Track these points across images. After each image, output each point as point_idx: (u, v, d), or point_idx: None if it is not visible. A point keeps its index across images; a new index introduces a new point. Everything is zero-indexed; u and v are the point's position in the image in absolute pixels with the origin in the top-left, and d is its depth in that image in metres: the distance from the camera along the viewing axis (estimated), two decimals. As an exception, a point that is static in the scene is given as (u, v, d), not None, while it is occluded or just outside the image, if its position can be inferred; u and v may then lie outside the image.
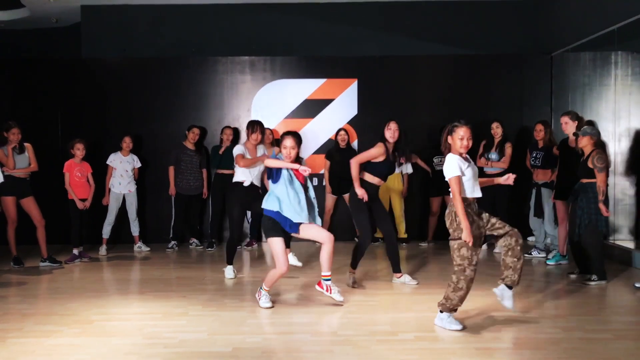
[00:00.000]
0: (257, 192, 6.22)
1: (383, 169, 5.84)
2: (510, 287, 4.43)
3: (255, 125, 6.29)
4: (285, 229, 4.93)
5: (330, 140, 8.76)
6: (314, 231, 5.00)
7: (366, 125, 8.73)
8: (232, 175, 8.20)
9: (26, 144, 7.15)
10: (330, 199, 8.52)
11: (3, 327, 4.53)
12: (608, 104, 8.52)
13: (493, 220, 4.41)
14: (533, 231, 7.45)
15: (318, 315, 4.82)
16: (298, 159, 5.08)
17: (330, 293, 5.02)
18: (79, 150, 7.41)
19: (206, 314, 4.88)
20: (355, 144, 8.76)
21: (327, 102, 8.82)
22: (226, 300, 5.32)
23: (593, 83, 8.64)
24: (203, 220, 8.73)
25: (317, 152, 8.83)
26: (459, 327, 4.36)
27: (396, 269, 5.98)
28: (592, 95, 8.63)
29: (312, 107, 8.83)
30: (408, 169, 8.49)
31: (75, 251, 7.34)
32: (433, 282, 6.03)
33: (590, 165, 5.82)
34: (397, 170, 8.36)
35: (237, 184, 6.20)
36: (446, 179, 4.35)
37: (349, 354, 3.89)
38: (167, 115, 8.78)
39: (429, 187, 8.36)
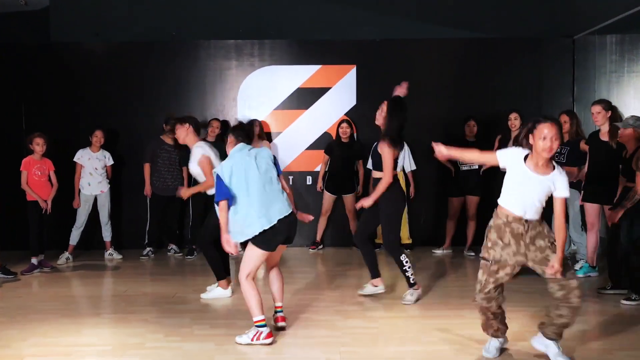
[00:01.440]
0: None
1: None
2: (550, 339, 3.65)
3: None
4: None
5: (326, 133, 7.86)
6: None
7: (366, 116, 7.76)
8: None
9: (-23, 139, 6.27)
10: (328, 199, 7.61)
11: None
12: (637, 92, 7.61)
13: (552, 256, 3.44)
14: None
15: (299, 348, 3.92)
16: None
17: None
18: (39, 145, 6.52)
19: (166, 345, 3.99)
20: (355, 137, 7.82)
21: (323, 91, 7.89)
22: (195, 326, 4.42)
23: (620, 69, 7.72)
24: (183, 224, 7.80)
25: (312, 147, 7.91)
26: (488, 354, 3.71)
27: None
28: (619, 82, 7.71)
29: (305, 97, 7.90)
30: (411, 165, 7.58)
31: (34, 260, 6.45)
32: (448, 300, 5.11)
33: (633, 166, 4.90)
34: (398, 168, 7.46)
35: None
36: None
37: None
38: (144, 106, 7.87)
39: (449, 186, 7.41)
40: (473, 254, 7.12)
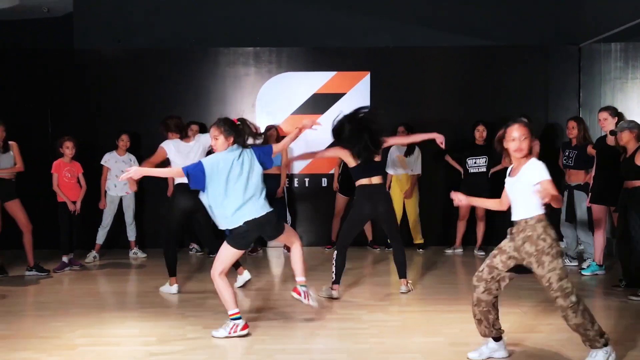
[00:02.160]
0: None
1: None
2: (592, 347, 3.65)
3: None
4: None
5: (341, 137, 8.13)
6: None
7: (379, 121, 8.09)
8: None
9: (11, 142, 6.54)
10: (341, 201, 7.91)
11: (-28, 355, 3.94)
12: (641, 99, 7.93)
13: (535, 265, 3.51)
14: (564, 237, 6.83)
15: (334, 339, 4.22)
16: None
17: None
18: (68, 148, 6.81)
19: (207, 337, 4.27)
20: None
21: (338, 96, 8.19)
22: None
23: (624, 76, 8.03)
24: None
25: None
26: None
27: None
28: (623, 89, 8.02)
29: (321, 102, 8.20)
30: (416, 169, 7.84)
31: (65, 259, 6.73)
32: (460, 296, 5.41)
33: (638, 162, 5.20)
34: (408, 171, 7.78)
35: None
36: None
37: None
38: (165, 111, 8.08)
39: (460, 188, 7.68)
40: (483, 253, 7.42)
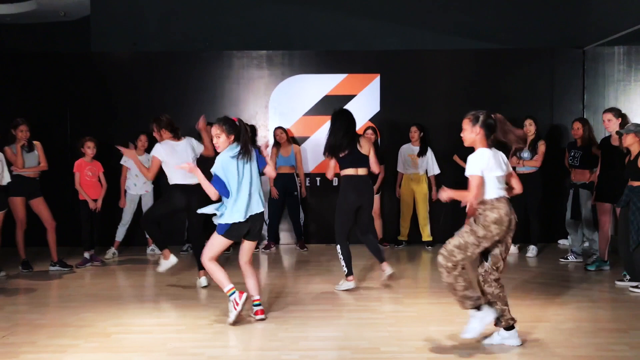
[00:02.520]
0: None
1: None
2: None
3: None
4: None
5: (351, 138, 8.36)
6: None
7: (389, 122, 8.36)
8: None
9: (35, 142, 6.79)
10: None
11: (14, 341, 4.16)
12: (644, 101, 8.16)
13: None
14: (570, 234, 7.06)
15: (353, 327, 4.44)
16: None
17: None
18: (90, 148, 7.04)
19: (228, 326, 4.50)
20: (378, 142, 8.34)
21: (348, 98, 8.42)
22: (249, 310, 4.94)
23: (627, 78, 8.27)
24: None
25: (338, 150, 8.43)
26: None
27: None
28: (626, 91, 8.26)
29: (332, 104, 8.36)
30: (434, 169, 8.08)
31: (87, 254, 6.97)
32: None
33: None
34: (421, 171, 8.00)
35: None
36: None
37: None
38: (180, 113, 8.35)
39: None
40: (490, 250, 7.65)
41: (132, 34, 8.91)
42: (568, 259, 6.89)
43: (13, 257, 6.79)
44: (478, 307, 3.87)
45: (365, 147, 5.72)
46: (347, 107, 8.36)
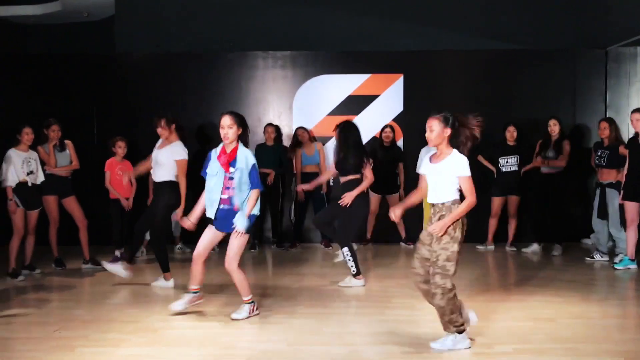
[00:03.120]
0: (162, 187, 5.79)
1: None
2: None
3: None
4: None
5: (374, 138, 8.45)
6: (228, 247, 4.61)
7: (412, 122, 8.41)
8: (273, 174, 8.01)
9: (67, 141, 6.89)
10: (374, 200, 8.20)
11: (67, 335, 4.25)
12: (666, 101, 8.21)
13: (435, 242, 3.83)
14: (596, 233, 7.12)
15: (395, 324, 4.51)
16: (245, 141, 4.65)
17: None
18: (121, 148, 7.13)
19: (276, 321, 4.59)
20: (400, 142, 8.45)
21: (372, 98, 8.50)
22: (294, 306, 5.02)
23: (649, 79, 8.33)
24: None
25: (361, 150, 8.51)
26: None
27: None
28: (648, 92, 8.32)
29: (355, 104, 8.51)
30: None
31: (117, 253, 7.04)
32: (506, 287, 5.71)
33: None
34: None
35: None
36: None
37: (448, 368, 3.60)
38: (205, 113, 8.48)
39: (492, 186, 7.95)
40: (515, 249, 7.73)
41: (156, 35, 9.00)
42: (594, 258, 6.96)
43: (46, 255, 6.88)
44: (460, 332, 3.90)
45: None
46: (370, 107, 8.58)
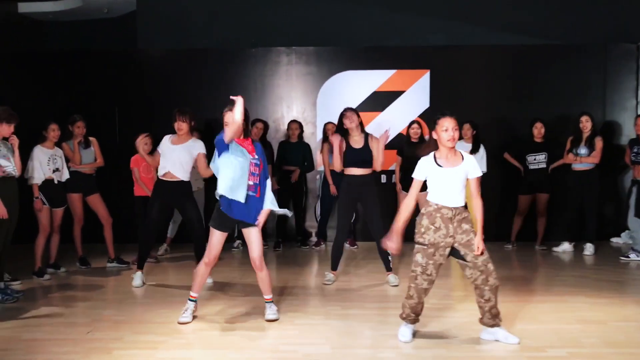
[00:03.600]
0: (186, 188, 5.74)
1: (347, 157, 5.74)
2: (493, 326, 3.99)
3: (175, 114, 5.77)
4: (232, 217, 4.34)
5: (400, 135, 8.29)
6: (255, 242, 4.41)
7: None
8: (297, 172, 7.88)
9: (91, 138, 6.78)
10: (402, 197, 8.03)
11: (100, 336, 4.13)
12: (699, 96, 8.02)
13: (471, 242, 3.83)
14: (632, 231, 6.94)
15: (439, 325, 4.36)
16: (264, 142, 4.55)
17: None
18: (146, 144, 6.98)
19: (314, 322, 4.45)
20: (427, 139, 8.26)
21: (397, 94, 8.34)
22: (329, 307, 4.89)
23: (682, 75, 8.13)
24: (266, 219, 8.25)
25: (386, 147, 8.21)
26: (405, 338, 3.98)
27: (386, 268, 5.78)
28: (682, 87, 8.12)
29: (381, 100, 8.36)
30: (483, 167, 7.95)
31: (142, 251, 6.95)
32: (546, 288, 5.55)
33: None
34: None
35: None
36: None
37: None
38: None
39: (519, 184, 7.77)
40: (545, 247, 7.56)
41: (178, 31, 8.88)
42: (630, 257, 6.77)
43: (70, 254, 6.78)
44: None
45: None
46: (395, 103, 8.42)
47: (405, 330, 4.02)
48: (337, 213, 6.00)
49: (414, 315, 4.02)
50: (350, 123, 5.77)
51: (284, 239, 8.10)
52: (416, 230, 3.94)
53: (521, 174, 7.73)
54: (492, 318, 3.95)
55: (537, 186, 7.62)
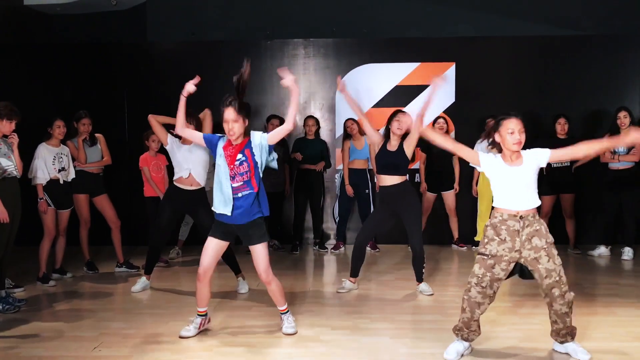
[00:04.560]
0: (201, 194, 5.34)
1: (379, 161, 5.22)
2: (563, 342, 3.68)
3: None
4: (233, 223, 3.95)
5: (423, 131, 7.84)
6: (260, 257, 4.01)
7: (464, 114, 7.81)
8: (315, 171, 7.46)
9: (97, 135, 6.41)
10: (428, 198, 7.60)
11: (108, 353, 3.75)
12: None
13: (545, 260, 3.49)
14: (677, 236, 6.48)
15: (479, 340, 3.94)
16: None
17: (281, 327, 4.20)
18: (154, 142, 6.62)
19: (340, 338, 4.04)
20: (452, 135, 7.83)
21: (421, 88, 7.90)
22: (356, 319, 4.47)
23: None
24: (282, 220, 7.88)
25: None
26: (450, 356, 3.61)
27: (417, 278, 5.31)
28: None
29: (403, 94, 7.92)
30: None
31: (152, 254, 6.57)
32: (586, 299, 5.11)
33: None
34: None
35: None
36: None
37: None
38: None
39: (541, 184, 7.30)
40: (579, 251, 7.11)
41: (190, 23, 8.49)
42: (674, 263, 6.32)
43: (76, 257, 6.42)
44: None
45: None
46: (419, 98, 7.98)
47: (453, 347, 3.65)
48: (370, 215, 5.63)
49: (466, 331, 3.63)
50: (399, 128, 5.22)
51: (301, 241, 7.71)
52: (480, 242, 3.64)
53: (543, 172, 7.28)
54: (563, 334, 3.66)
55: (561, 186, 7.14)
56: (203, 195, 5.37)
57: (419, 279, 5.31)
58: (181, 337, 4.02)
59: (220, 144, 3.98)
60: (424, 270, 5.32)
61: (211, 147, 4.02)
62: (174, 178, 5.30)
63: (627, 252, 6.79)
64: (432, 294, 5.18)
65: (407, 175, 5.48)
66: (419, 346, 3.87)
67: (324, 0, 8.17)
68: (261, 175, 3.99)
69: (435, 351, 3.75)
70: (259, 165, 3.95)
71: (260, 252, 3.98)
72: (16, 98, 5.39)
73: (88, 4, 9.53)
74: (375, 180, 5.32)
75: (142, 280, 5.47)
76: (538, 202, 3.57)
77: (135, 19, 9.10)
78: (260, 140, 3.96)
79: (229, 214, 3.89)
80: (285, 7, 8.25)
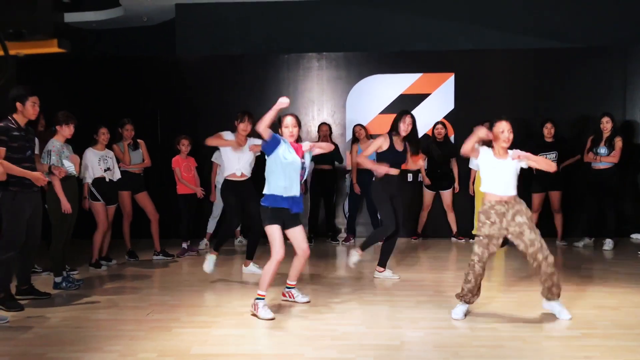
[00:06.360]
0: (250, 186, 6.18)
1: (388, 159, 5.91)
2: (550, 299, 4.57)
3: (243, 116, 6.29)
4: (289, 208, 4.75)
5: (425, 135, 8.68)
6: (298, 237, 4.88)
7: (463, 120, 8.62)
8: (329, 171, 8.33)
9: (139, 140, 7.31)
10: (428, 195, 8.44)
11: (159, 317, 4.63)
12: None
13: (527, 232, 4.40)
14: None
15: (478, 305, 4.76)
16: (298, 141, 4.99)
17: (294, 298, 5.09)
18: (184, 145, 7.51)
19: (349, 307, 4.90)
20: (452, 139, 8.66)
21: (423, 97, 8.74)
22: (363, 296, 5.32)
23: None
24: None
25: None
26: (457, 316, 4.50)
27: (380, 264, 6.09)
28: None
29: (407, 102, 8.74)
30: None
31: (184, 245, 7.47)
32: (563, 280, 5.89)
33: None
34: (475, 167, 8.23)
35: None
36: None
37: (522, 350, 3.85)
38: (262, 112, 8.77)
39: (532, 183, 8.12)
40: (565, 243, 7.89)
41: (215, 38, 9.40)
42: (654, 255, 7.08)
43: (118, 248, 7.32)
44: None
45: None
46: (421, 105, 8.82)
47: (459, 309, 4.56)
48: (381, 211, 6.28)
49: (469, 295, 4.55)
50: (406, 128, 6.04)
51: (316, 234, 8.56)
52: (475, 226, 4.49)
53: (533, 172, 8.03)
54: (548, 294, 4.52)
55: (550, 184, 7.87)
56: (253, 186, 6.19)
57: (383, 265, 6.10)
58: (268, 320, 4.51)
59: (286, 143, 4.84)
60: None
61: (274, 143, 4.77)
62: (226, 174, 6.21)
63: (608, 243, 7.56)
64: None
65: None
66: (415, 313, 4.71)
67: (336, 18, 9.07)
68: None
69: (428, 315, 4.59)
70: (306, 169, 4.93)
71: (302, 230, 4.93)
72: (63, 108, 6.18)
73: (122, 20, 10.51)
74: (375, 174, 6.10)
75: (212, 258, 6.09)
76: (515, 191, 4.51)
77: (165, 34, 10.04)
78: (308, 149, 4.98)
79: (297, 194, 4.77)
80: (301, 24, 9.16)
